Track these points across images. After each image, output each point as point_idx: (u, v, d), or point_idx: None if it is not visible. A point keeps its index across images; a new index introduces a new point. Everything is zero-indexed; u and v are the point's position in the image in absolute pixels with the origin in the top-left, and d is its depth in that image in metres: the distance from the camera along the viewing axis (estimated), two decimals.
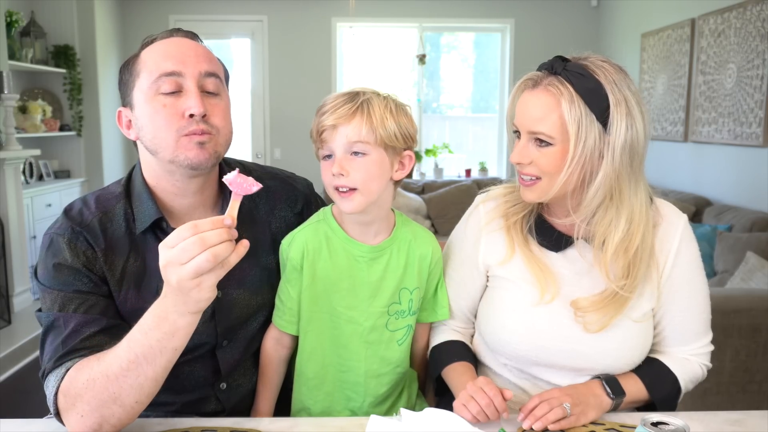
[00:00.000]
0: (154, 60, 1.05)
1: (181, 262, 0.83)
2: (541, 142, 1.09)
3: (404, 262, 1.17)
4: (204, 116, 1.04)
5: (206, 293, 0.86)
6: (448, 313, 1.25)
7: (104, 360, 0.95)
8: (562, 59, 1.10)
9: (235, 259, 0.86)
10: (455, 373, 1.20)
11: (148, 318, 0.92)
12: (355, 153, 1.07)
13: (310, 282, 1.15)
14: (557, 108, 1.06)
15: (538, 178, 1.11)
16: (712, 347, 1.22)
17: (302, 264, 1.14)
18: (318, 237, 1.15)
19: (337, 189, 1.09)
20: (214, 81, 1.08)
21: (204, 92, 1.06)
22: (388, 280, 1.16)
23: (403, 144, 1.11)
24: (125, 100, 1.10)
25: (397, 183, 1.16)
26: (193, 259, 0.82)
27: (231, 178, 0.89)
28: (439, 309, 1.25)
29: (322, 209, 1.20)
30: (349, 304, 1.15)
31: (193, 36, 1.11)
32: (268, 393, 1.22)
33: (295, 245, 1.15)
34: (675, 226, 1.18)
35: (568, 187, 1.10)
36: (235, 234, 0.86)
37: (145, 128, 1.06)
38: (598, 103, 1.05)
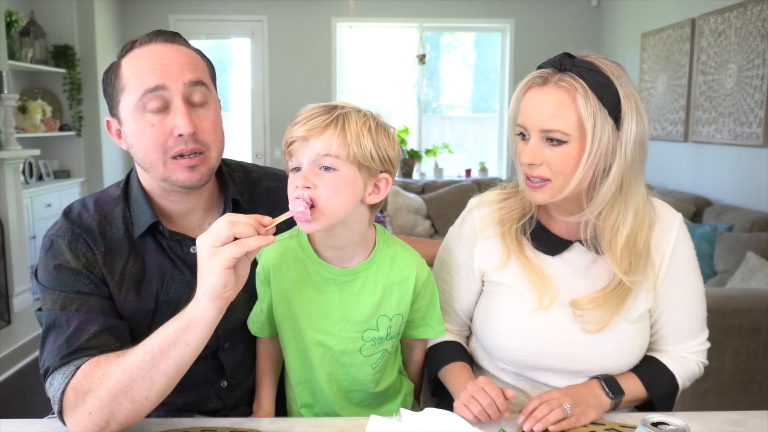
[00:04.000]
0: (136, 75, 1.02)
1: (208, 234, 0.91)
2: (554, 141, 1.07)
3: (382, 286, 1.09)
4: (193, 133, 1.03)
5: (218, 266, 0.88)
6: (444, 330, 1.20)
7: (124, 354, 0.97)
8: (569, 56, 1.09)
9: (254, 242, 0.89)
10: (452, 374, 1.19)
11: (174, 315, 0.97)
12: (325, 168, 0.98)
13: (278, 300, 1.11)
14: (572, 104, 1.05)
15: (549, 180, 1.09)
16: (708, 344, 1.22)
17: (268, 279, 1.11)
18: (285, 254, 1.09)
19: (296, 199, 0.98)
20: (201, 90, 1.06)
21: (191, 104, 1.04)
22: (362, 306, 1.09)
23: (380, 166, 1.02)
24: (112, 111, 1.09)
25: (372, 207, 1.06)
26: (217, 228, 0.90)
27: (300, 208, 0.95)
28: (436, 326, 1.18)
29: (296, 227, 1.11)
30: (319, 327, 1.10)
31: (174, 38, 1.08)
32: (266, 387, 1.20)
33: (261, 260, 1.10)
34: (670, 225, 1.18)
35: (583, 185, 1.08)
36: (263, 231, 0.91)
37: (135, 146, 1.06)
38: (609, 99, 1.05)
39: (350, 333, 1.10)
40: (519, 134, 1.13)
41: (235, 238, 0.90)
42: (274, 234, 0.94)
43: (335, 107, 1.01)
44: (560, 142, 1.06)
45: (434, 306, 1.18)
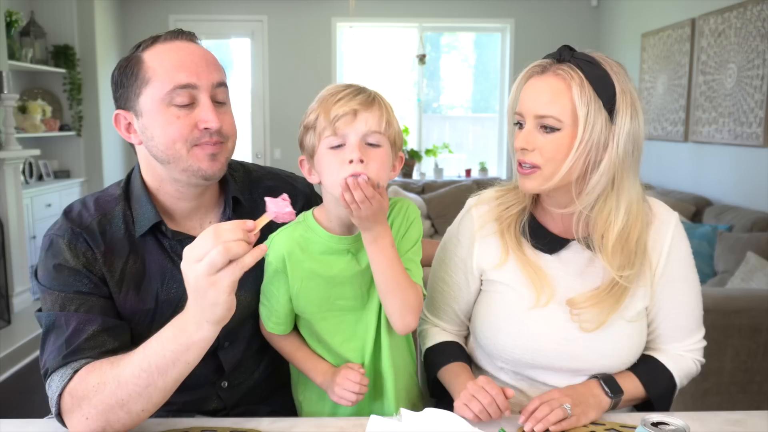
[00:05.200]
0: (166, 69, 1.04)
1: (197, 259, 0.84)
2: (547, 128, 1.08)
3: (394, 235, 1.11)
4: (219, 129, 1.06)
5: (222, 294, 0.85)
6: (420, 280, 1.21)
7: (117, 365, 0.95)
8: (569, 48, 1.11)
9: (250, 260, 0.86)
10: (452, 374, 1.19)
11: (167, 329, 0.93)
12: (370, 144, 1.03)
13: (299, 285, 1.11)
14: (567, 92, 1.06)
15: (538, 167, 1.10)
16: (704, 343, 1.23)
17: (284, 268, 1.10)
18: (294, 239, 1.11)
19: (354, 176, 1.00)
20: (223, 90, 1.09)
21: (215, 102, 1.07)
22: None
23: (399, 145, 1.10)
24: (126, 104, 1.08)
25: None
26: (207, 254, 0.83)
27: (276, 199, 0.91)
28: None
29: (302, 213, 1.15)
30: (353, 295, 1.12)
31: (193, 37, 1.11)
32: (308, 362, 1.16)
33: (273, 249, 1.10)
34: (667, 224, 1.18)
35: (572, 175, 1.09)
36: (254, 239, 0.87)
37: (156, 138, 1.06)
38: (605, 91, 1.06)
39: (377, 297, 1.11)
40: (516, 123, 1.15)
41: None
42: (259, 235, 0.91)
43: (363, 87, 1.07)
44: (553, 129, 1.08)
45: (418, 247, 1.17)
